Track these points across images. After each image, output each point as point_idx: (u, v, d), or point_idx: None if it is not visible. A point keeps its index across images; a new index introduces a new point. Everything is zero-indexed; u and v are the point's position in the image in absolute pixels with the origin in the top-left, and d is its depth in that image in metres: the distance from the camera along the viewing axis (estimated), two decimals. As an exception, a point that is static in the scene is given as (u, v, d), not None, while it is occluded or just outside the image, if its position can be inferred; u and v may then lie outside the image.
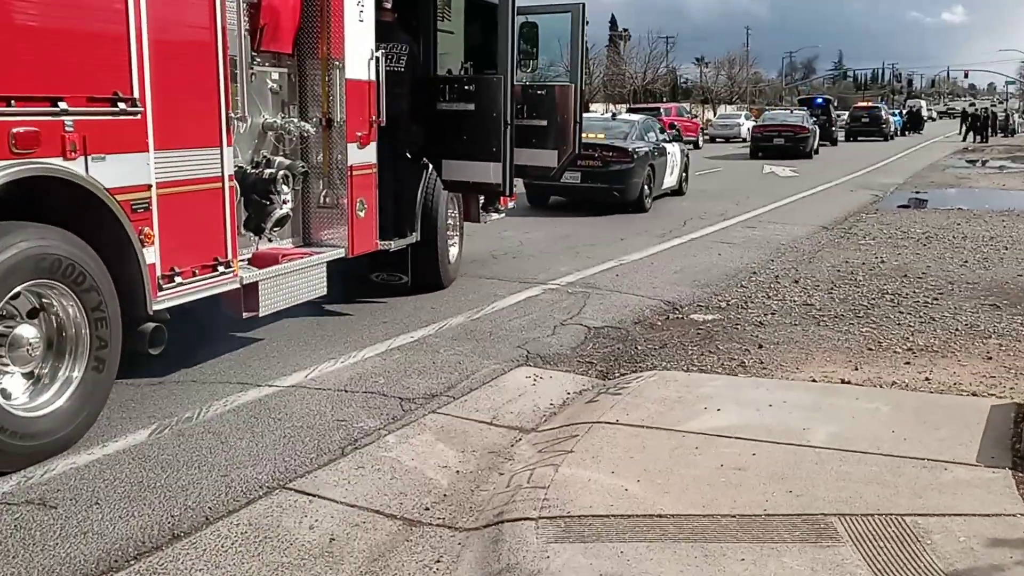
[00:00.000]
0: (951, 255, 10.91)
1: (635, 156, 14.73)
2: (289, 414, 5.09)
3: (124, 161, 4.68)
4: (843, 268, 10.13)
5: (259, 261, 6.13)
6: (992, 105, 73.01)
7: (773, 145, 30.63)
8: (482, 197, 9.16)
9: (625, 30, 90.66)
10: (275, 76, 6.60)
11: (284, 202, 6.44)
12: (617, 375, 6.12)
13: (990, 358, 6.42)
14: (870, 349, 6.71)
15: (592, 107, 62.61)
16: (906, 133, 56.82)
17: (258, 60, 6.37)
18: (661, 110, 41.71)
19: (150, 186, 4.86)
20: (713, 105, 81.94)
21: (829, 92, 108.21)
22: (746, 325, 7.50)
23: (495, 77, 7.57)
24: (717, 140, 44.24)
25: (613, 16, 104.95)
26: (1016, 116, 65.43)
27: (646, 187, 15.15)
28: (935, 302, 8.33)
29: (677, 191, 17.76)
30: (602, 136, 15.18)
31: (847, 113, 53.75)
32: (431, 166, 8.06)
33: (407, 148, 7.90)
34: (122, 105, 4.66)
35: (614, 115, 16.89)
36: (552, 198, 15.69)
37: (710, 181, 21.77)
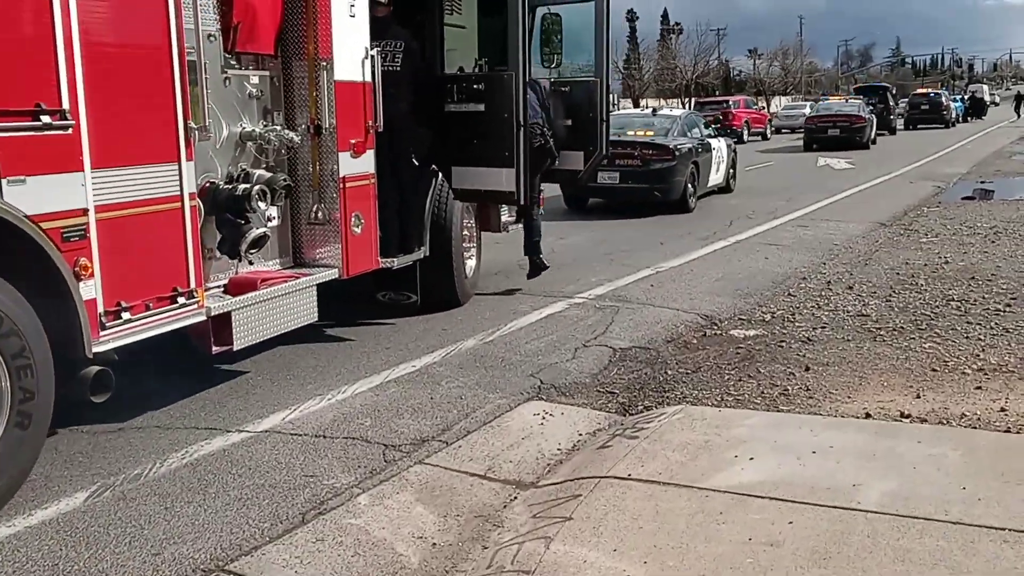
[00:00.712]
0: (1022, 253, 9.91)
1: (677, 153, 13.89)
2: (253, 468, 4.43)
3: (51, 183, 4.06)
4: (903, 271, 9.20)
5: (235, 288, 5.49)
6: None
7: (828, 136, 29.37)
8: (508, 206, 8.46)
9: (677, 23, 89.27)
10: (255, 80, 5.96)
11: (267, 220, 5.82)
12: (640, 408, 5.37)
13: (1077, 380, 5.53)
14: (934, 370, 5.85)
15: (643, 103, 61.68)
16: (968, 119, 54.72)
17: (233, 63, 5.75)
18: (730, 103, 41.26)
19: (86, 210, 4.23)
20: (767, 97, 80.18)
21: (887, 80, 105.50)
22: (792, 342, 6.67)
23: (505, 74, 6.86)
24: (783, 131, 42.57)
25: (665, 10, 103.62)
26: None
27: (689, 186, 14.29)
28: (1008, 309, 7.41)
29: (724, 188, 16.86)
30: (642, 133, 14.36)
31: (906, 100, 51.89)
32: (440, 173, 7.37)
33: (412, 155, 7.22)
34: (46, 119, 4.04)
35: (655, 111, 16.04)
36: (591, 200, 14.91)
37: (761, 177, 20.78)
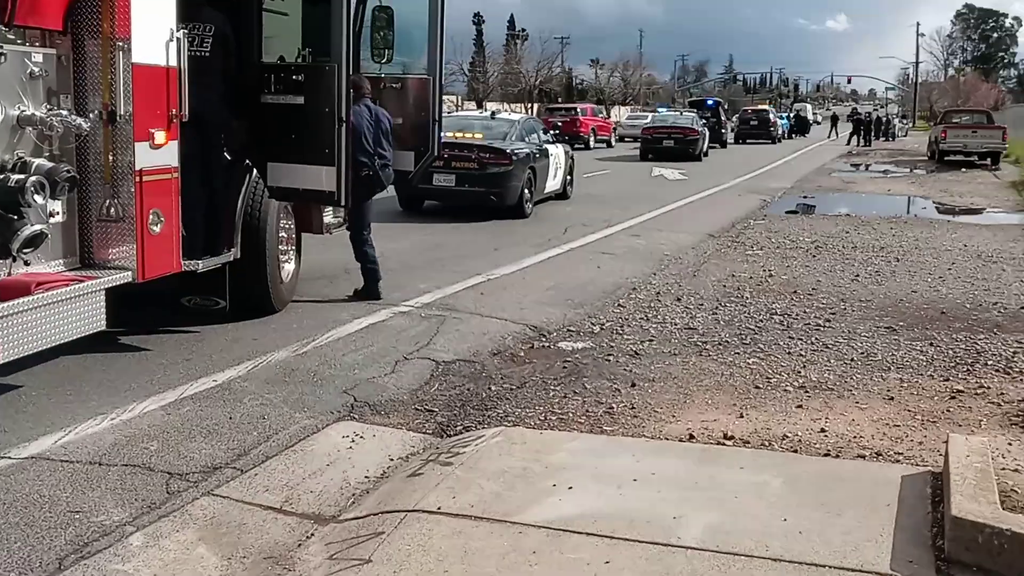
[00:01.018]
0: (842, 268, 10.22)
1: (514, 158, 13.71)
2: (9, 504, 3.83)
3: None
4: (729, 283, 9.29)
5: (4, 292, 4.81)
6: (875, 109, 75.10)
7: (663, 147, 30.09)
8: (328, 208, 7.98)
9: (523, 30, 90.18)
10: (37, 58, 5.28)
11: (47, 216, 5.16)
12: (459, 428, 5.04)
13: (891, 398, 5.57)
14: (757, 387, 5.79)
15: (486, 106, 61.82)
16: (793, 136, 57.63)
17: (11, 37, 5.07)
18: (578, 110, 41.93)
19: None
20: (607, 107, 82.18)
21: (720, 95, 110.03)
22: (620, 355, 6.52)
23: (327, 65, 6.40)
24: (627, 139, 43.39)
25: (512, 16, 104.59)
26: (896, 121, 67.20)
27: (526, 191, 14.14)
28: (827, 324, 7.53)
29: (561, 195, 16.83)
30: (480, 136, 14.10)
31: (736, 116, 54.12)
32: (255, 170, 6.83)
33: (223, 148, 6.66)
34: None
35: (493, 114, 15.82)
36: (427, 202, 14.54)
37: (597, 184, 20.96)
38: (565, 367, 6.26)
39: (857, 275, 9.76)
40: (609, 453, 4.31)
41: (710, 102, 44.53)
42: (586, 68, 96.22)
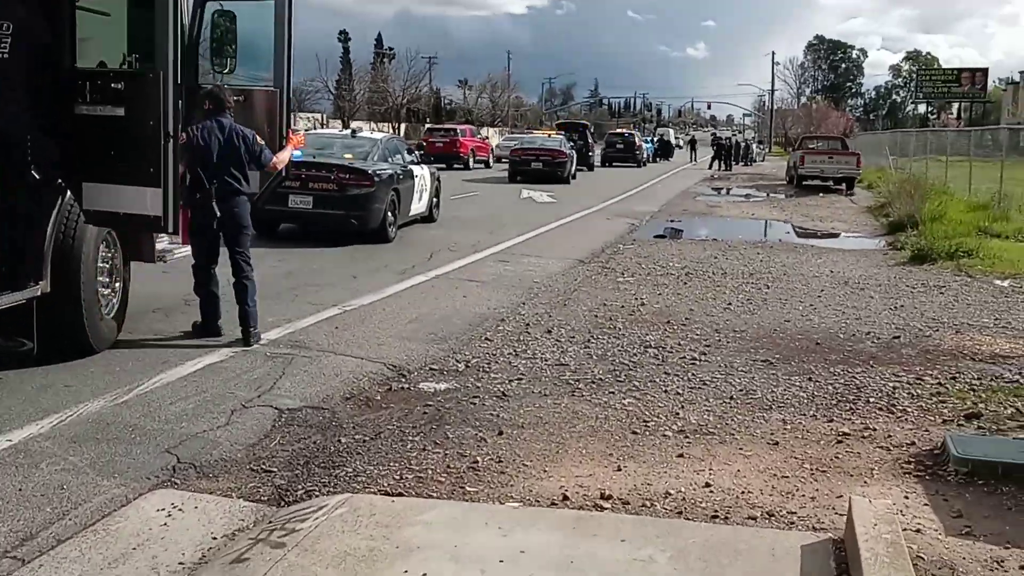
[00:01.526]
0: (713, 296, 9.96)
1: (376, 179, 13.02)
2: None
3: None
4: (601, 313, 8.87)
5: None
6: (734, 134, 77.57)
7: (531, 169, 29.91)
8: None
9: (390, 48, 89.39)
10: None
11: None
12: (299, 493, 4.34)
13: (776, 443, 5.19)
14: (635, 432, 5.32)
15: (352, 125, 60.73)
16: (657, 160, 58.84)
17: None
18: (458, 130, 42.55)
19: None
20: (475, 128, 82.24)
21: (586, 118, 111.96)
22: (486, 397, 5.95)
23: (150, 72, 5.62)
24: (503, 160, 43.30)
25: (380, 34, 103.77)
26: (754, 146, 69.58)
27: (390, 214, 13.47)
28: (703, 358, 7.16)
29: (428, 218, 16.23)
30: (340, 156, 13.36)
31: (603, 139, 54.84)
32: (69, 191, 5.96)
33: (29, 166, 5.77)
34: None
35: (354, 132, 15.05)
36: (283, 225, 13.67)
37: (466, 207, 20.46)
38: (426, 412, 5.64)
39: (729, 303, 9.51)
40: (472, 525, 3.71)
41: (576, 125, 44.81)
42: (455, 89, 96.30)
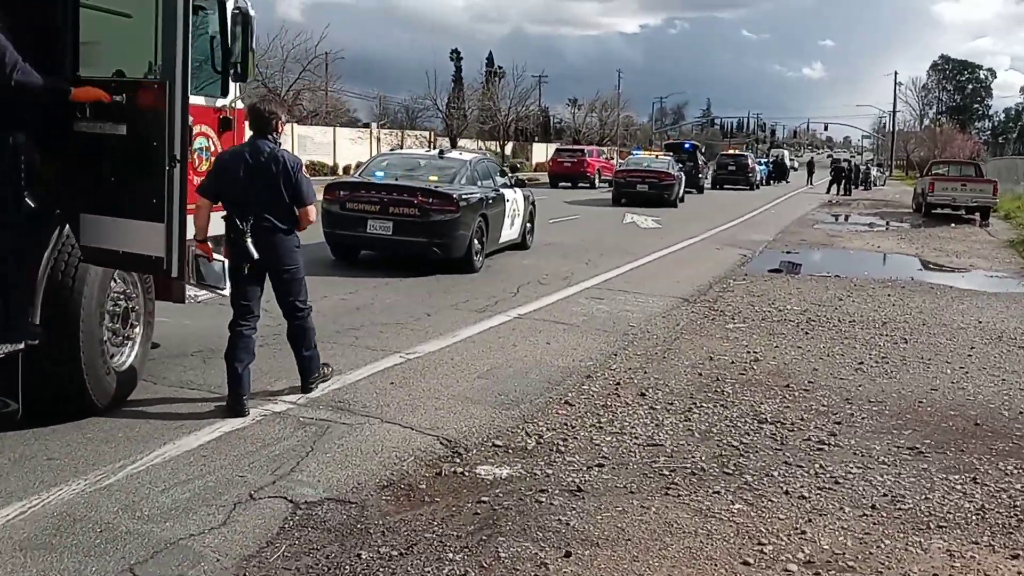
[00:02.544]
0: (841, 351, 8.49)
1: (462, 204, 11.94)
2: None
3: None
4: (706, 369, 7.54)
5: None
6: (851, 157, 74.31)
7: (636, 192, 28.50)
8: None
9: (500, 67, 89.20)
10: None
11: None
12: (284, 651, 3.20)
13: (943, 589, 3.81)
14: (747, 563, 4.01)
15: (460, 143, 60.40)
16: (771, 182, 56.50)
17: None
18: (585, 151, 44.39)
19: None
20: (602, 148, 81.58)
21: (697, 138, 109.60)
22: (556, 492, 4.73)
23: (155, 82, 4.62)
24: None
25: (491, 53, 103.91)
26: (874, 170, 66.31)
27: (476, 242, 12.37)
28: (833, 441, 5.78)
29: (520, 245, 15.09)
30: (424, 178, 12.35)
31: (714, 160, 52.91)
32: (67, 224, 5.01)
33: (23, 194, 4.84)
34: None
35: (441, 152, 13.99)
36: (363, 252, 12.74)
37: (564, 232, 19.26)
38: (478, 513, 4.45)
39: (861, 362, 8.02)
40: None
41: (687, 145, 43.11)
42: (563, 107, 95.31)
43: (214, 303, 7.14)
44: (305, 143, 44.84)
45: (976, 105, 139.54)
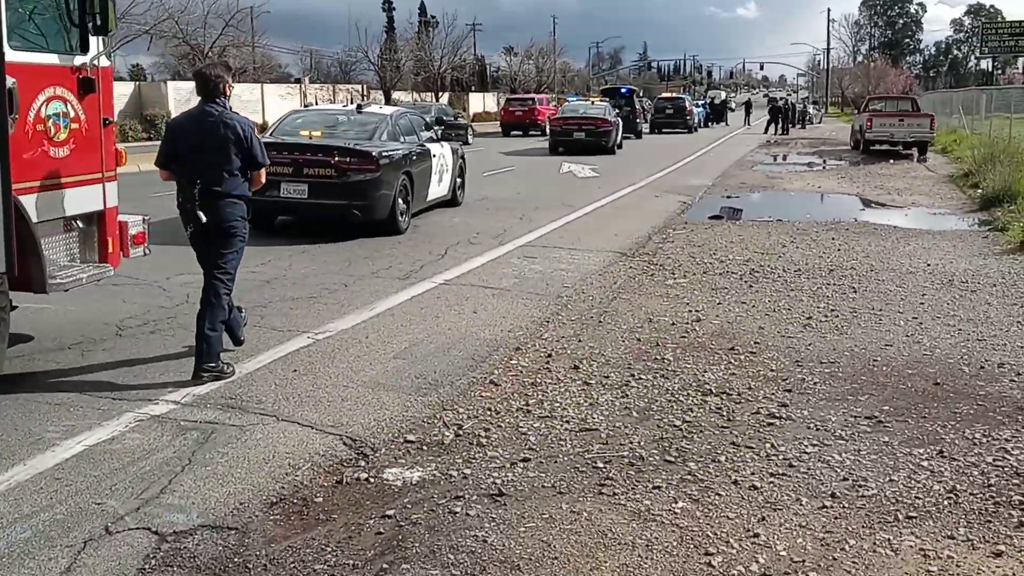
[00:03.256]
0: (787, 304, 7.96)
1: (383, 162, 11.14)
2: None
3: None
4: (645, 334, 6.95)
5: None
6: (788, 95, 74.10)
7: (573, 139, 27.79)
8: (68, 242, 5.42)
9: (433, 16, 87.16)
10: None
11: None
12: None
13: (919, 602, 3.26)
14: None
15: (395, 96, 58.89)
16: (710, 124, 56.12)
17: None
18: (535, 99, 45.20)
19: None
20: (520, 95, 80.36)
21: (635, 82, 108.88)
22: (473, 497, 4.10)
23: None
24: None
25: (423, 2, 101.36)
26: (811, 108, 66.21)
27: (400, 202, 11.60)
28: (784, 413, 5.23)
29: (450, 202, 14.34)
30: (339, 135, 11.48)
31: (652, 104, 52.30)
32: None
33: None
34: None
35: (359, 106, 13.05)
36: (280, 218, 11.89)
37: (499, 185, 18.52)
38: (381, 532, 3.80)
39: (810, 317, 7.50)
40: None
41: (624, 90, 42.39)
42: (499, 56, 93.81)
43: (106, 284, 6.35)
44: (232, 101, 43.10)
45: (907, 40, 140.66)
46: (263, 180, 5.97)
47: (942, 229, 12.96)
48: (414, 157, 12.10)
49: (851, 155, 29.26)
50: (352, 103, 21.82)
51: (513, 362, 6.27)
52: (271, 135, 11.83)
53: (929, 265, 9.81)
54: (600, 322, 7.39)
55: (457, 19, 75.04)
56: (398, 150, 11.74)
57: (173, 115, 39.36)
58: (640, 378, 5.88)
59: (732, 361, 6.27)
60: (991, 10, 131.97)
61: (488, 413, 5.22)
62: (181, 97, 41.17)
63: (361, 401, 5.36)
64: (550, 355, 6.43)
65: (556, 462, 4.53)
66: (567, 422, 5.08)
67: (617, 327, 7.21)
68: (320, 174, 10.78)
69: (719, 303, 8.04)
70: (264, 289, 8.30)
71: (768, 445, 4.75)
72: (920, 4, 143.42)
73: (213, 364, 5.59)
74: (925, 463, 4.52)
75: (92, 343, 6.35)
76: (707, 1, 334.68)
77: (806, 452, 4.65)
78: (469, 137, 36.94)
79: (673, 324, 7.30)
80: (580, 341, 6.80)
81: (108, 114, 5.94)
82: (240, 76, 53.51)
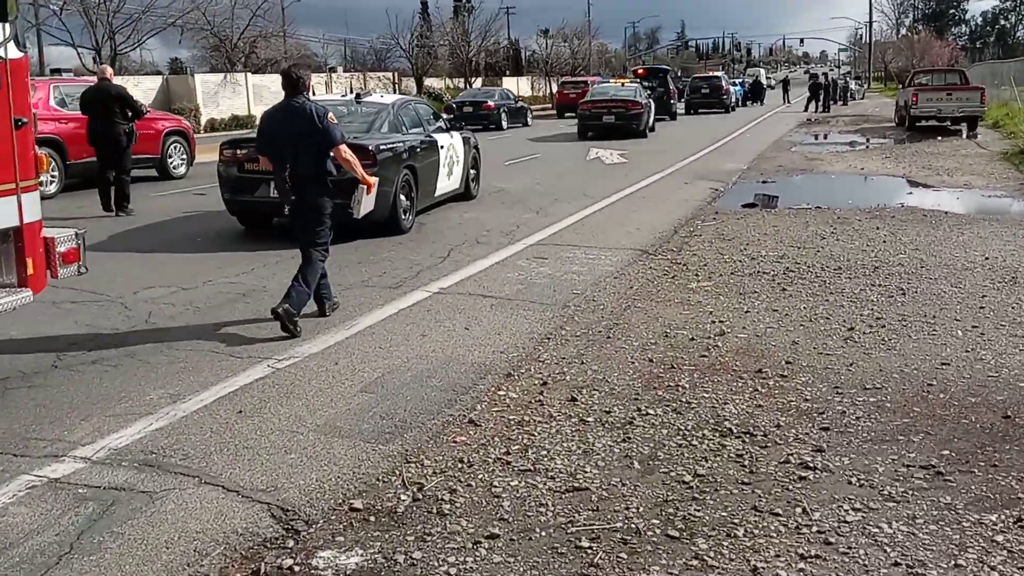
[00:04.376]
0: (826, 312, 6.96)
1: (382, 156, 10.24)
2: None
3: None
4: (658, 352, 6.01)
5: None
6: (829, 71, 72.06)
7: (603, 124, 26.69)
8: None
9: (468, 1, 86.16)
10: None
11: None
12: None
13: None
14: None
15: (429, 82, 57.97)
16: (747, 104, 54.55)
17: None
18: (588, 82, 43.54)
19: None
20: (556, 78, 79.34)
21: (673, 63, 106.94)
22: (421, 596, 3.19)
23: None
24: None
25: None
26: (852, 83, 64.21)
27: (403, 198, 10.71)
28: (818, 462, 4.27)
29: (463, 195, 13.43)
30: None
31: (686, 84, 50.88)
32: None
33: None
34: None
35: (359, 96, 12.01)
36: (277, 220, 11.04)
37: (519, 175, 17.57)
38: (288, 654, 2.90)
39: (851, 328, 6.50)
40: None
41: (655, 70, 41.09)
42: (533, 40, 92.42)
43: (64, 301, 5.54)
44: (262, 92, 42.47)
45: (952, 11, 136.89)
46: (344, 155, 6.69)
47: (999, 214, 11.78)
48: (419, 150, 11.19)
49: (896, 132, 27.84)
50: (395, 90, 20.95)
51: (501, 393, 5.36)
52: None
53: (987, 259, 8.71)
54: (609, 338, 6.45)
55: (486, 2, 73.75)
56: (400, 143, 10.84)
57: (201, 107, 39.11)
58: (647, 413, 4.94)
59: (759, 388, 5.31)
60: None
61: (459, 466, 4.32)
62: (209, 90, 40.72)
63: (308, 453, 4.48)
64: (545, 383, 5.51)
65: (531, 540, 3.62)
66: (552, 478, 4.16)
67: (628, 344, 6.27)
68: (312, 171, 9.89)
69: (747, 311, 7.06)
70: (237, 304, 7.46)
71: (799, 511, 3.79)
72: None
73: (295, 313, 6.43)
74: (1000, 535, 3.54)
75: (20, 378, 5.55)
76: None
77: (846, 521, 3.69)
78: (528, 119, 36.39)
79: (692, 340, 6.34)
80: (583, 364, 5.87)
81: (22, 114, 5.11)
82: (272, 67, 53.00)
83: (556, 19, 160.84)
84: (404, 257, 9.40)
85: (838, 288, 7.72)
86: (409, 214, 10.93)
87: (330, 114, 6.59)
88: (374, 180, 7.23)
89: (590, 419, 4.90)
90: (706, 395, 5.22)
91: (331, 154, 6.61)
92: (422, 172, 11.17)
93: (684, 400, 5.15)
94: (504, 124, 34.16)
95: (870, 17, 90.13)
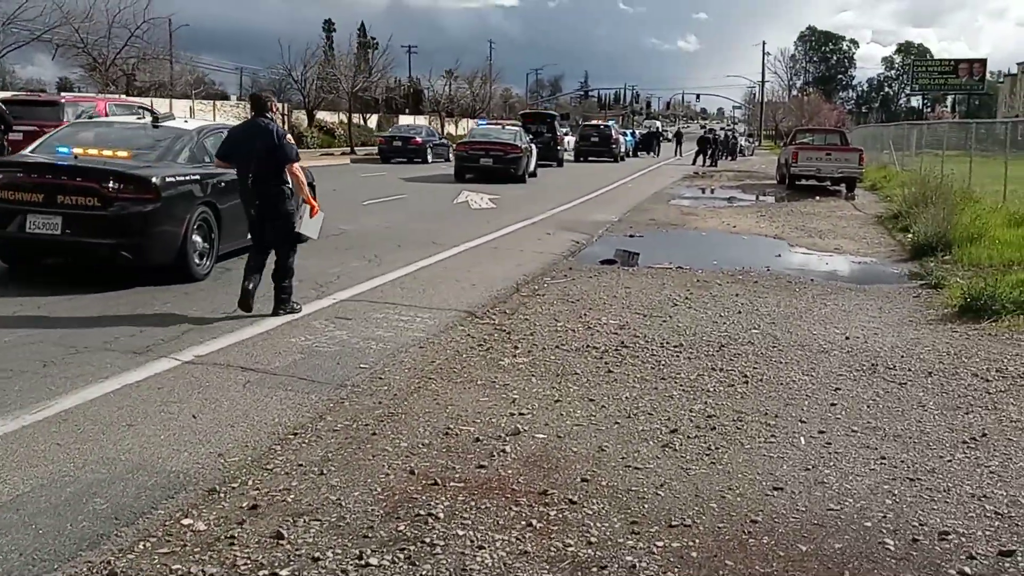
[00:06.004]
0: (650, 405, 5.72)
1: (168, 191, 8.67)
2: None
3: None
4: (426, 459, 4.66)
5: None
6: (724, 127, 73.11)
7: (480, 166, 25.55)
8: None
9: (373, 38, 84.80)
10: None
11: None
12: None
13: None
14: None
15: (320, 115, 56.16)
16: (639, 154, 54.51)
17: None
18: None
19: None
20: (455, 120, 78.70)
21: (575, 111, 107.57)
22: None
23: None
24: None
25: (363, 24, 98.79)
26: (742, 140, 65.15)
27: (197, 240, 9.15)
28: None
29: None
30: (110, 154, 8.96)
31: (576, 131, 50.50)
32: None
33: None
34: None
35: (156, 119, 10.34)
36: (51, 260, 9.36)
37: (372, 216, 16.16)
38: None
39: (674, 431, 5.26)
40: None
41: (543, 115, 40.39)
42: (436, 79, 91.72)
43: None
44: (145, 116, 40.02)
45: (840, 76, 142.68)
46: (296, 172, 7.50)
47: (867, 284, 10.91)
48: (223, 184, 9.61)
49: (776, 190, 27.51)
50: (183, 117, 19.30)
51: (185, 523, 3.89)
52: (31, 149, 9.35)
53: (848, 339, 7.67)
54: (374, 434, 5.06)
55: (391, 42, 72.60)
56: (196, 176, 9.26)
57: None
58: (368, 564, 3.54)
59: (534, 522, 3.98)
60: (920, 48, 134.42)
61: (38, 666, 2.82)
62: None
63: None
64: (255, 506, 4.08)
65: None
66: None
67: (393, 445, 4.88)
68: (79, 203, 8.29)
69: (558, 400, 5.77)
70: (-89, 372, 5.79)
71: None
72: (853, 41, 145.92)
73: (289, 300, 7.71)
74: None
75: None
76: (648, 33, 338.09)
77: None
78: (450, 155, 35.76)
79: (477, 440, 5.00)
80: (322, 475, 4.46)
81: None
82: (157, 91, 50.47)
83: (469, 62, 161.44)
84: (180, 312, 7.84)
85: (673, 371, 6.52)
86: (207, 259, 9.36)
87: (288, 135, 7.63)
88: (318, 204, 7.77)
89: (283, 574, 3.47)
90: (461, 533, 3.87)
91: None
92: (227, 211, 9.59)
93: (428, 542, 3.78)
94: (430, 158, 36.05)
95: (762, 76, 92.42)
